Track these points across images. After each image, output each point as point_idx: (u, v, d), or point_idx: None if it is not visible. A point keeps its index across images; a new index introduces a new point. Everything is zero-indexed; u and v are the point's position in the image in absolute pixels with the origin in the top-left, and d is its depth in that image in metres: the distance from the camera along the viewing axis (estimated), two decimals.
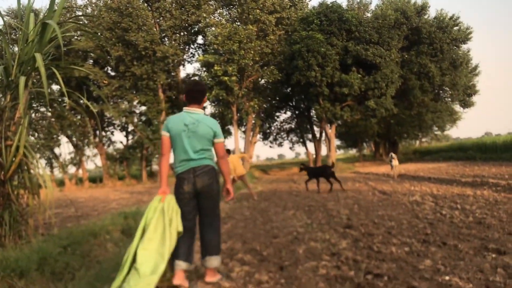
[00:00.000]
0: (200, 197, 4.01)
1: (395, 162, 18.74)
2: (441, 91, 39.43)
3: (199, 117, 4.02)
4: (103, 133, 37.18)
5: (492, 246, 4.46)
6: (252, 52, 27.55)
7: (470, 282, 3.40)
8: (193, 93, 4.12)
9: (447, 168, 20.51)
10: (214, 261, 3.99)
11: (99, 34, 28.62)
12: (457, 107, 43.54)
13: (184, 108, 4.14)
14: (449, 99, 40.54)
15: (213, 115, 36.02)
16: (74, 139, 34.12)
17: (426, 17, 35.31)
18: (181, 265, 3.84)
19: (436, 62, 34.13)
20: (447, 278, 3.52)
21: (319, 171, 14.05)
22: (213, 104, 33.64)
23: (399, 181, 15.49)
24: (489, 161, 24.04)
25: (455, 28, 35.12)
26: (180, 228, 3.79)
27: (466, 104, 41.85)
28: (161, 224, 3.75)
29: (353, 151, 74.47)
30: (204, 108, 3.79)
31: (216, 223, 4.12)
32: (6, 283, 3.52)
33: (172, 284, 3.79)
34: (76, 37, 29.11)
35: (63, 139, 33.85)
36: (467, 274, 3.61)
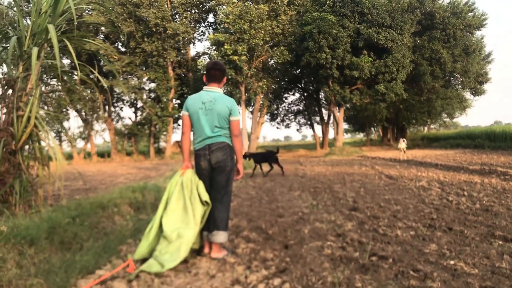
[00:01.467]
0: (214, 172, 4.13)
1: (403, 144, 20.40)
2: (452, 78, 39.04)
3: (216, 95, 4.14)
4: (112, 109, 37.29)
5: (499, 233, 4.46)
6: (262, 32, 27.32)
7: (475, 268, 3.42)
8: (213, 71, 4.23)
9: (454, 155, 20.42)
10: (221, 236, 4.06)
11: (110, 8, 28.51)
12: (467, 95, 43.13)
13: (204, 87, 4.26)
14: (460, 86, 40.13)
15: None
16: (83, 113, 34.26)
17: (440, 2, 34.80)
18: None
19: (448, 48, 33.72)
20: (452, 262, 3.54)
21: (265, 156, 14.39)
22: None
23: (406, 166, 15.45)
24: (498, 150, 23.89)
25: (470, 14, 34.59)
26: (206, 197, 3.98)
27: (476, 92, 41.41)
28: (181, 196, 3.96)
29: (360, 135, 74.26)
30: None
31: (227, 199, 4.19)
32: (16, 250, 3.58)
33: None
34: (87, 11, 29.00)
35: (72, 113, 34.04)
36: (473, 259, 3.62)
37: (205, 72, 4.30)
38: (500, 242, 4.13)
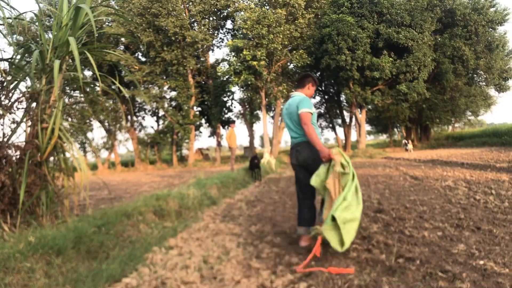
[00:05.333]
0: (308, 170, 4.53)
1: (410, 146, 25.66)
2: (475, 75, 38.38)
3: (293, 99, 4.64)
4: (135, 118, 37.76)
5: None
6: (281, 36, 27.34)
7: (506, 267, 3.33)
8: (299, 79, 4.86)
9: (481, 154, 20.01)
10: (301, 230, 4.58)
11: (129, 19, 28.94)
12: (492, 91, 42.31)
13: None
14: (484, 83, 39.41)
15: (241, 100, 36.10)
16: (106, 123, 34.78)
17: None
18: (302, 232, 4.56)
19: (470, 45, 33.19)
20: (481, 262, 3.45)
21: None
22: (242, 89, 33.69)
23: (431, 166, 15.20)
24: None
25: (491, 9, 33.99)
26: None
27: (501, 88, 40.59)
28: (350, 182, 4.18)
29: (383, 137, 73.48)
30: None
31: (305, 194, 4.67)
32: (44, 260, 3.64)
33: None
34: (107, 23, 29.51)
35: (96, 123, 34.58)
36: (503, 259, 3.53)
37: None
38: None
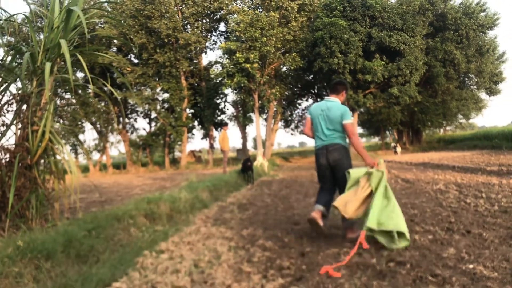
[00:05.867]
0: (334, 170, 5.03)
1: (398, 148, 29.34)
2: (466, 79, 38.70)
3: (333, 104, 5.09)
4: (127, 120, 37.61)
5: None
6: (274, 39, 27.37)
7: (495, 271, 3.35)
8: (334, 85, 5.31)
9: (471, 157, 20.14)
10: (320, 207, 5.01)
11: (122, 21, 28.85)
12: (482, 95, 42.66)
13: (325, 97, 5.28)
14: (475, 87, 39.76)
15: (234, 102, 36.09)
16: (98, 125, 34.61)
17: (451, 2, 34.64)
18: (320, 207, 4.98)
19: (461, 49, 33.46)
20: (471, 266, 3.47)
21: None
22: (235, 91, 33.70)
23: (422, 169, 15.28)
24: None
25: (482, 14, 34.32)
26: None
27: (492, 92, 40.93)
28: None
29: (375, 139, 73.78)
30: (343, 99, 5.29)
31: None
32: (33, 264, 3.61)
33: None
34: (99, 25, 29.39)
35: (87, 125, 34.39)
36: (492, 263, 3.55)
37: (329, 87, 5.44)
38: None
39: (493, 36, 37.34)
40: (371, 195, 4.60)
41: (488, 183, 9.26)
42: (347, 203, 4.62)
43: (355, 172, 4.82)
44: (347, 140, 5.12)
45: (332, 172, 5.06)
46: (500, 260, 3.62)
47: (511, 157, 17.45)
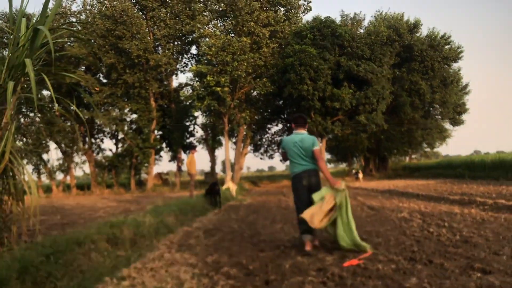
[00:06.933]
0: (311, 190, 5.89)
1: (360, 175, 32.04)
2: (431, 109, 39.81)
3: (304, 136, 6.07)
4: (93, 140, 36.89)
5: (478, 265, 4.44)
6: (245, 64, 27.58)
7: None
8: (301, 119, 6.27)
9: (435, 185, 20.59)
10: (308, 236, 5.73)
11: (92, 41, 28.56)
12: (447, 125, 43.94)
13: (294, 131, 6.20)
14: (439, 117, 40.92)
15: (204, 125, 35.99)
16: (63, 145, 33.79)
17: (418, 35, 35.79)
18: (309, 238, 5.73)
19: (427, 79, 34.49)
20: None
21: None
22: (204, 114, 33.62)
23: (388, 196, 15.50)
24: (477, 179, 24.18)
25: (447, 46, 35.58)
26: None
27: (455, 122, 42.27)
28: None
29: (343, 165, 74.64)
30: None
31: None
32: None
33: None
34: (69, 43, 29.00)
35: (52, 145, 33.54)
36: None
37: (292, 121, 6.38)
38: (479, 274, 4.11)
39: (457, 68, 38.74)
40: (333, 209, 5.65)
41: (450, 212, 9.46)
42: (313, 215, 5.51)
43: (321, 192, 5.85)
44: None
45: (310, 193, 5.88)
46: None
47: (473, 186, 17.93)
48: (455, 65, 37.86)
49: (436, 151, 70.04)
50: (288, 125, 43.54)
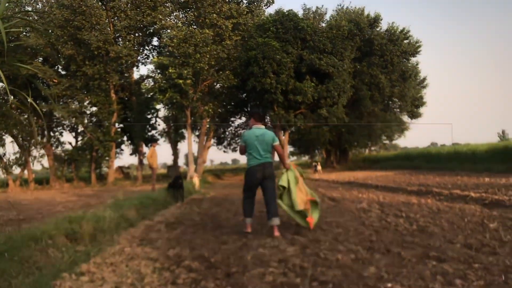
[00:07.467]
0: (266, 181, 6.50)
1: (319, 167, 32.68)
2: (390, 102, 40.77)
3: (264, 131, 6.58)
4: (51, 134, 35.85)
5: (433, 253, 4.61)
6: (208, 56, 27.36)
7: None
8: (259, 115, 6.83)
9: (394, 177, 21.14)
10: (277, 220, 6.36)
11: (49, 31, 27.66)
12: (405, 118, 45.05)
13: (253, 126, 6.66)
14: (398, 110, 41.94)
15: (166, 118, 35.57)
16: (19, 139, 32.68)
17: (378, 29, 36.53)
18: (250, 221, 6.80)
19: (386, 73, 35.26)
20: (389, 285, 3.61)
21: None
22: (166, 107, 33.21)
23: (348, 187, 15.80)
24: (434, 171, 24.97)
25: (405, 41, 36.45)
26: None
27: (413, 115, 43.41)
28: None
29: (305, 158, 75.45)
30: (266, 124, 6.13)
31: (275, 196, 6.55)
32: None
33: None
34: (25, 33, 27.98)
35: (8, 138, 32.37)
36: (409, 281, 3.71)
37: (252, 115, 6.89)
38: (434, 263, 4.27)
39: (415, 63, 39.76)
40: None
41: (408, 202, 9.74)
42: (302, 200, 6.59)
43: (282, 178, 6.72)
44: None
45: (261, 184, 6.51)
46: (415, 278, 3.80)
47: (430, 177, 18.51)
48: (413, 60, 38.88)
49: (395, 143, 71.85)
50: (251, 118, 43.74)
